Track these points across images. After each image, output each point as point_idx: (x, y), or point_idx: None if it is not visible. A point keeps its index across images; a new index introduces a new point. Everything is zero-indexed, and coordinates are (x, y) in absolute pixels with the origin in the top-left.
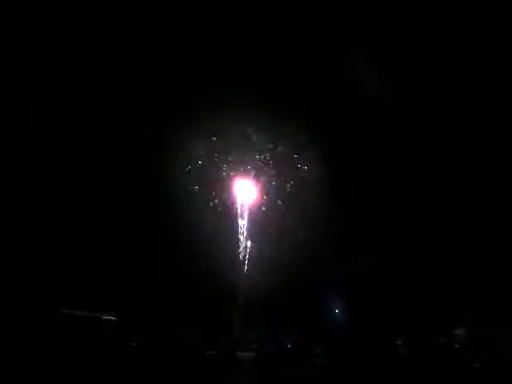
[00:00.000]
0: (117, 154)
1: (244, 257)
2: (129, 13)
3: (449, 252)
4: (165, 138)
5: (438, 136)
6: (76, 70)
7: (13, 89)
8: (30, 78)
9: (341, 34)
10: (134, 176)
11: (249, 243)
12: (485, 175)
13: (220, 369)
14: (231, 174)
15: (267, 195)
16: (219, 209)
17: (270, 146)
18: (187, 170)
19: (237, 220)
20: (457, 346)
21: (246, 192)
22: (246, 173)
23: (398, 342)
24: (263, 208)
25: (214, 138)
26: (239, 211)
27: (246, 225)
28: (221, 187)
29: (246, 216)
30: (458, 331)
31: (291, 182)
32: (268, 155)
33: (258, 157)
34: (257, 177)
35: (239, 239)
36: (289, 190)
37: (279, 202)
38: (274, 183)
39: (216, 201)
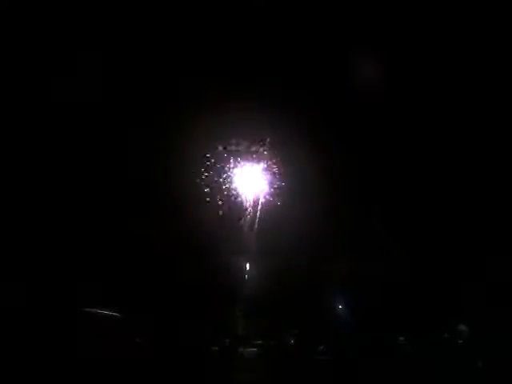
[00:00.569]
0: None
1: (247, 253)
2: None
3: (452, 248)
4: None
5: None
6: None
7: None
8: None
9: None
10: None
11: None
12: (485, 175)
13: (221, 365)
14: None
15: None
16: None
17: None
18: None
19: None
20: (460, 342)
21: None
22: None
23: (401, 339)
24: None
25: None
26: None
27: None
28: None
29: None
30: (462, 327)
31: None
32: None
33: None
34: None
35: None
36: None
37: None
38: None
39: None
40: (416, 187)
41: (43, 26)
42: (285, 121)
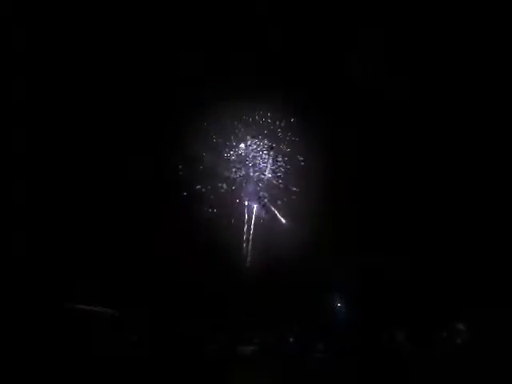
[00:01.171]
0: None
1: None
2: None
3: (451, 245)
4: None
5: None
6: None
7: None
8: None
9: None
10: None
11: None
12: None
13: (219, 363)
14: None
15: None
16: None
17: None
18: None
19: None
20: (459, 340)
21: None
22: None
23: (400, 336)
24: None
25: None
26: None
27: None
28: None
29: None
30: (460, 326)
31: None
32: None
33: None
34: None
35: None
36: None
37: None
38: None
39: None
40: (416, 187)
41: (43, 25)
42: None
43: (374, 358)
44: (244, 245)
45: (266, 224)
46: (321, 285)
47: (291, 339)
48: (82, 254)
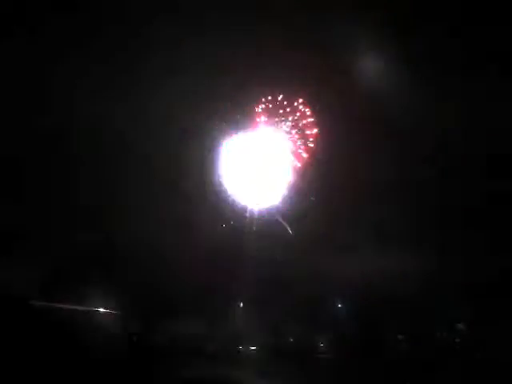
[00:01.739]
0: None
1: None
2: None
3: (450, 245)
4: None
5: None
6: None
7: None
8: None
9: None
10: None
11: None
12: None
13: (220, 363)
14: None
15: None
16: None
17: None
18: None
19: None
20: (457, 340)
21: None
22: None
23: (400, 337)
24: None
25: None
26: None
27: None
28: None
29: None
30: (460, 326)
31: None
32: None
33: None
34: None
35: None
36: None
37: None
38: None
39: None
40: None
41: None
42: None
43: (374, 358)
44: (243, 245)
45: (266, 225)
46: (321, 285)
47: (291, 339)
48: (81, 255)
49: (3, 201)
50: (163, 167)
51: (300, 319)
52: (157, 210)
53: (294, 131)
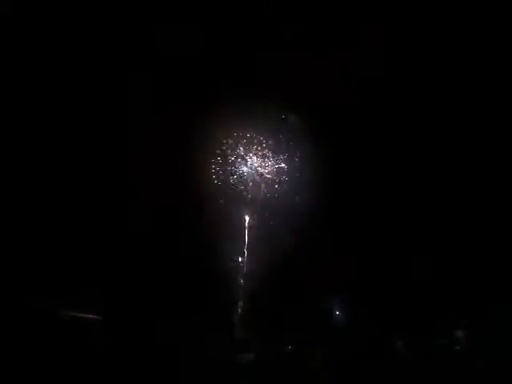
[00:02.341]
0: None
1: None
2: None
3: (450, 253)
4: None
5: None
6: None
7: None
8: None
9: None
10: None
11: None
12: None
13: (216, 372)
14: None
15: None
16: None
17: None
18: None
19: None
20: (457, 348)
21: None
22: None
23: (399, 343)
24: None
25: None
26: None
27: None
28: None
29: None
30: (459, 333)
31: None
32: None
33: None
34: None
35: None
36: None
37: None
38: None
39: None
40: (412, 191)
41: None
42: None
43: (374, 364)
44: (242, 251)
45: (264, 230)
46: (320, 291)
47: (290, 347)
48: (73, 260)
49: None
50: None
51: (298, 326)
52: None
53: None
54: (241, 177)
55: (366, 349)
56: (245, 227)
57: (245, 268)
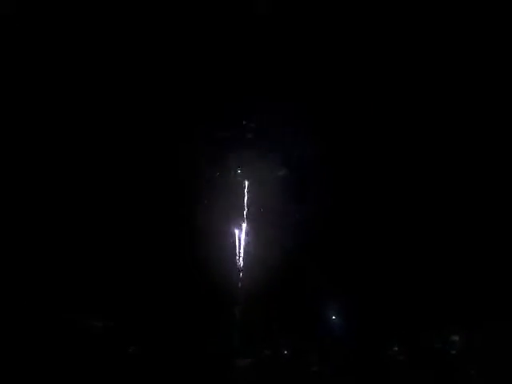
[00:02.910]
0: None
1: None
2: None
3: (446, 256)
4: None
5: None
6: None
7: None
8: None
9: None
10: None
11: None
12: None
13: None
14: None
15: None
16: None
17: None
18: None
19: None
20: (453, 352)
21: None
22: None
23: (395, 348)
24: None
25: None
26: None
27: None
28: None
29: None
30: (455, 337)
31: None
32: None
33: None
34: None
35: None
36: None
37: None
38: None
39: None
40: (410, 197)
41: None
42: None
43: (370, 370)
44: (238, 257)
45: (260, 235)
46: (316, 297)
47: (286, 352)
48: (78, 264)
49: None
50: None
51: (294, 331)
52: None
53: None
54: (236, 184)
55: (362, 353)
56: (241, 232)
57: (241, 273)
